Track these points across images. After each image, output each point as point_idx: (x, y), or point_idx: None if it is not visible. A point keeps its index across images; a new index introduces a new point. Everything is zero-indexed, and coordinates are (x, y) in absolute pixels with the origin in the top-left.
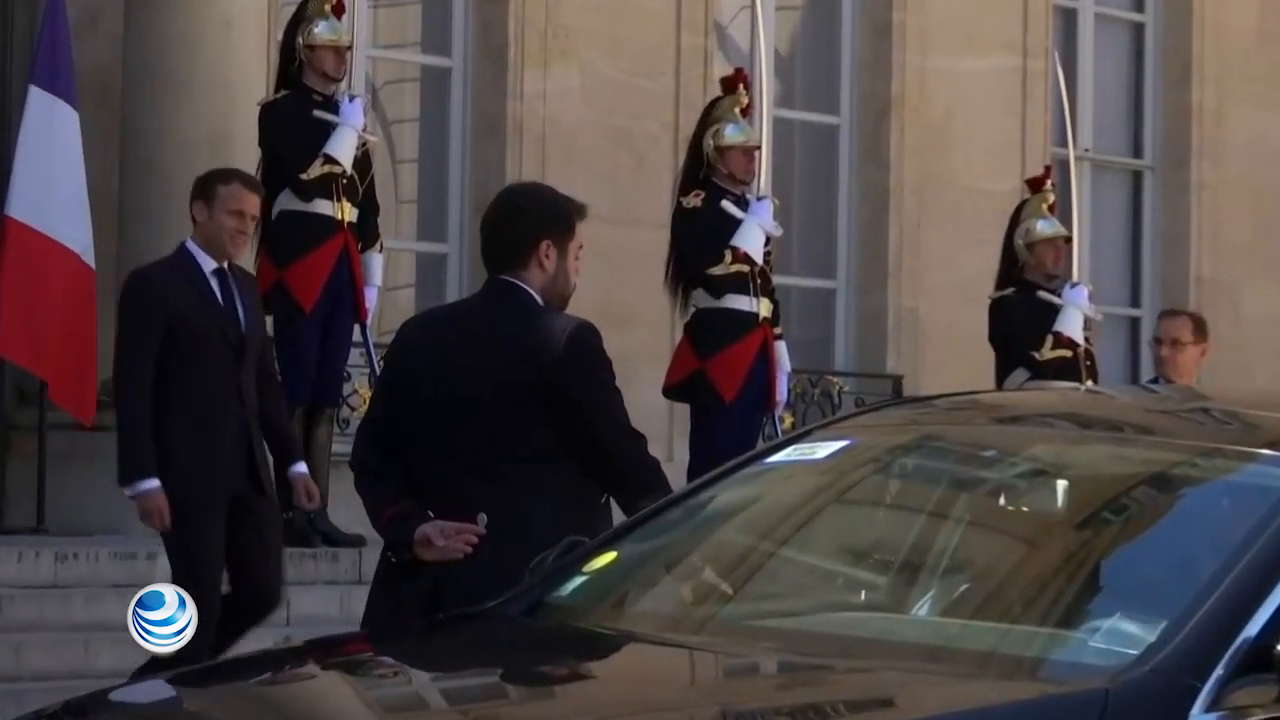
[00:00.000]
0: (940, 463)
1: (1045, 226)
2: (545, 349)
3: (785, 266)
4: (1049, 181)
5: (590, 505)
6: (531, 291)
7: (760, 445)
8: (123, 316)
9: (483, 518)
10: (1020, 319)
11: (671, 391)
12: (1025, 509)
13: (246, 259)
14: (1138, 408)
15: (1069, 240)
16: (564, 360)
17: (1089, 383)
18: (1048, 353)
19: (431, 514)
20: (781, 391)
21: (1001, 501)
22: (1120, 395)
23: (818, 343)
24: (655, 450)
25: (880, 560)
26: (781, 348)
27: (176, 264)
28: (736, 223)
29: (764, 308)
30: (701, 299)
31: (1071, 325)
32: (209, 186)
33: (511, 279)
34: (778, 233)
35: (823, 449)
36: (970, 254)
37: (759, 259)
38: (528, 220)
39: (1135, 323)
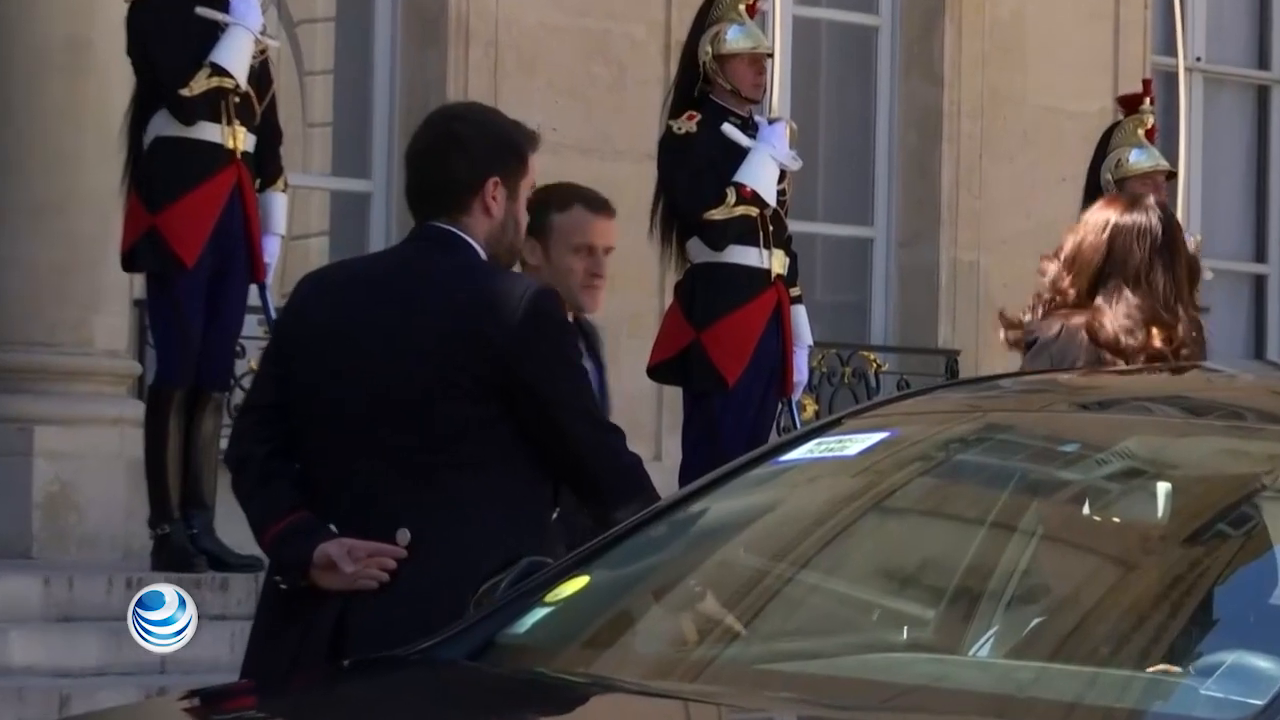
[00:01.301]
0: (1007, 460)
1: (1141, 158)
2: (496, 320)
3: (806, 210)
4: (1148, 100)
5: (544, 522)
6: (474, 244)
7: (774, 439)
8: None
9: (405, 535)
10: None
11: (659, 371)
12: (1117, 519)
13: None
14: (1263, 390)
15: (1172, 175)
16: (520, 335)
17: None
18: None
19: (335, 528)
20: (800, 370)
21: (1086, 510)
22: (1241, 374)
23: (850, 308)
24: (638, 446)
25: (930, 586)
26: (800, 314)
27: None
28: (743, 152)
29: (777, 262)
30: (698, 251)
31: None
32: (541, 216)
33: (448, 227)
34: (796, 166)
35: (855, 443)
36: (1046, 194)
37: (771, 199)
38: (471, 152)
39: (1260, 282)
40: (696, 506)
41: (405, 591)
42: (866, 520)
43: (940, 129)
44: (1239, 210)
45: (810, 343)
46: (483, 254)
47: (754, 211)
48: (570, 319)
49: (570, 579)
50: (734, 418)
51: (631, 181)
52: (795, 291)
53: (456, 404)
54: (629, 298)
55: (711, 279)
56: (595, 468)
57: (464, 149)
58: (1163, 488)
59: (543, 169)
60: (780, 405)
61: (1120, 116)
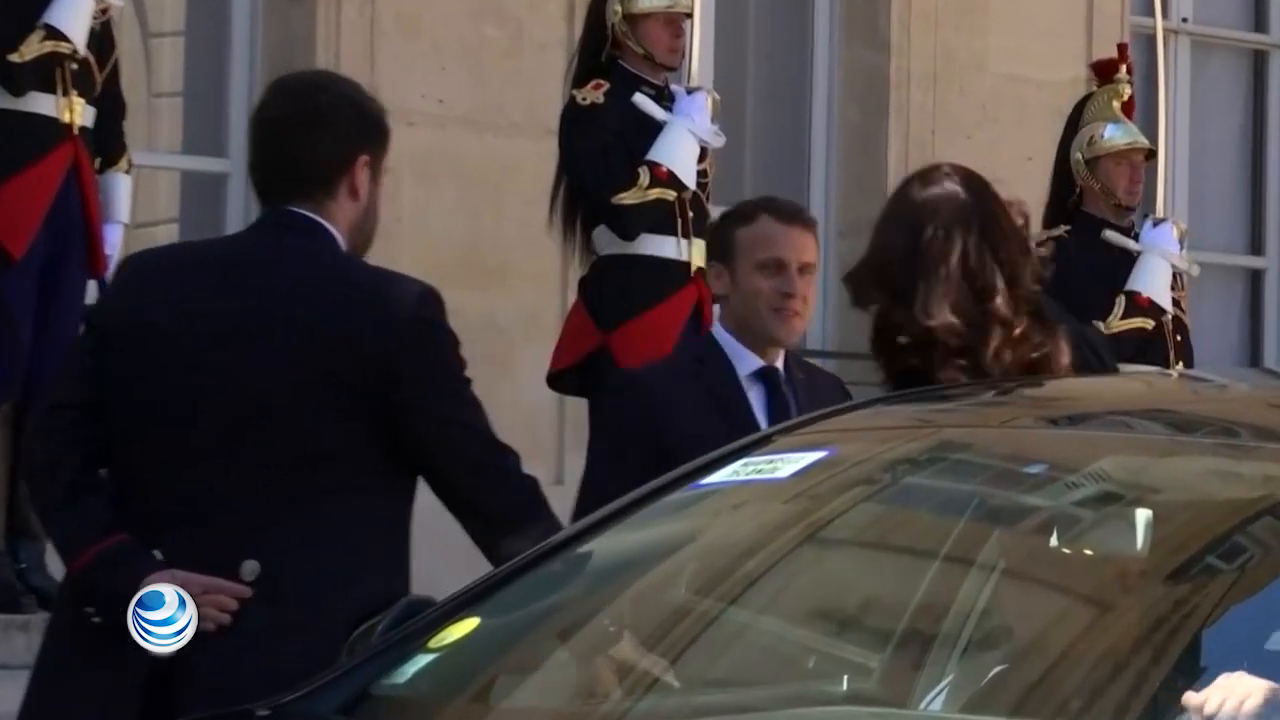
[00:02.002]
0: (964, 483)
1: (1117, 134)
2: (375, 326)
3: (731, 194)
4: (1125, 67)
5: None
6: (336, 233)
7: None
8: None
9: (251, 567)
10: (1078, 272)
11: (561, 379)
12: (1090, 552)
13: None
14: (1259, 402)
15: (1151, 155)
16: (403, 345)
17: (1180, 366)
18: (1118, 322)
19: (160, 556)
20: None
21: (1054, 541)
22: (1232, 384)
23: None
24: (535, 467)
25: (874, 629)
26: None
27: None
28: (657, 127)
29: (698, 254)
30: (605, 241)
31: (1154, 281)
32: (724, 234)
33: (310, 214)
34: (719, 143)
35: (787, 464)
36: (1010, 176)
37: (690, 181)
38: (338, 127)
39: (1255, 278)
40: (604, 537)
41: (254, 634)
42: (801, 553)
43: (886, 101)
44: (1231, 195)
45: None
46: (344, 244)
47: (670, 195)
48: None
49: (457, 621)
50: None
51: (528, 160)
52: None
53: (321, 417)
54: (525, 295)
55: (621, 273)
56: (486, 494)
57: (330, 123)
58: (1143, 515)
59: (427, 145)
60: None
61: (1094, 86)
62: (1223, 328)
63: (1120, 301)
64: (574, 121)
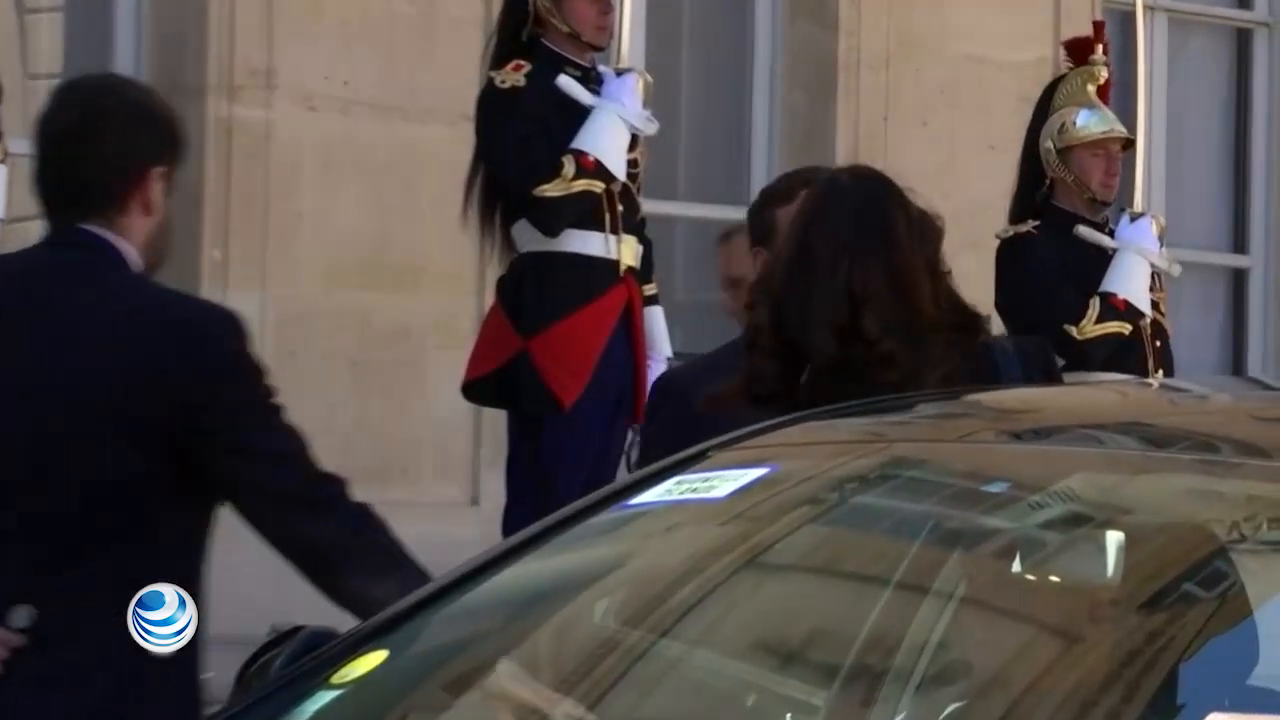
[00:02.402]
0: (918, 504)
1: (1091, 121)
2: (170, 359)
3: (665, 186)
4: (1100, 47)
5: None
6: (128, 252)
7: (622, 477)
8: None
9: (22, 615)
10: (1048, 271)
11: (477, 389)
12: (1056, 579)
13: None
14: (1242, 414)
15: (1129, 145)
16: (202, 376)
17: (1159, 374)
18: (1092, 328)
19: None
20: None
21: (1017, 567)
22: (1212, 394)
23: (719, 310)
24: (448, 484)
25: (820, 663)
26: (656, 318)
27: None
28: (583, 112)
29: (628, 252)
30: (526, 237)
31: (1131, 282)
32: (763, 216)
33: (101, 232)
34: (651, 130)
35: (724, 482)
36: (970, 168)
37: (619, 172)
38: (130, 135)
39: (1239, 278)
40: (523, 563)
41: (28, 681)
42: (739, 579)
43: (835, 84)
44: (1213, 187)
45: (669, 354)
46: (137, 263)
47: (598, 187)
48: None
49: (363, 655)
50: (572, 449)
51: (441, 149)
52: (650, 289)
53: (115, 454)
54: (437, 297)
55: (544, 273)
56: (310, 527)
57: (117, 133)
58: (1114, 539)
59: (329, 132)
60: (631, 434)
61: (1066, 68)
62: (1203, 332)
63: (1095, 304)
64: (492, 106)
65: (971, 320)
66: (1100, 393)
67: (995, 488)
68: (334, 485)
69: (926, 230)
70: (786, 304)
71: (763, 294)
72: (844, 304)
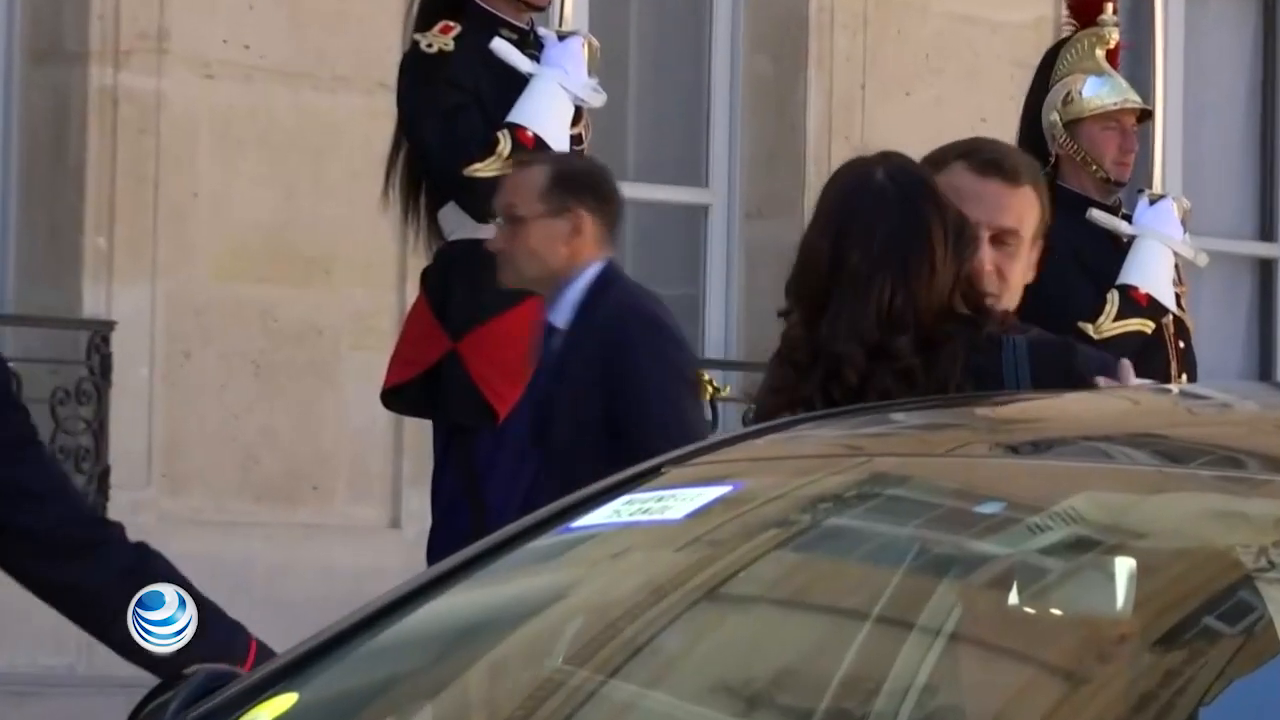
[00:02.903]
0: (902, 526)
1: (1102, 90)
2: None
3: (614, 163)
4: (1110, 6)
5: None
6: None
7: (565, 495)
8: None
9: None
10: (1057, 262)
11: (399, 397)
12: (1059, 612)
13: None
14: (1271, 425)
15: (1146, 116)
16: None
17: (1182, 379)
18: (1111, 325)
19: None
20: None
21: (1014, 599)
22: (1239, 401)
23: (676, 305)
24: (366, 507)
25: (790, 707)
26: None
27: None
28: (521, 81)
29: None
30: (456, 223)
31: (1154, 273)
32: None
33: None
34: (597, 101)
35: (681, 502)
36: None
37: (561, 148)
38: None
39: (1267, 269)
40: (452, 594)
41: None
42: (699, 613)
43: (805, 49)
44: (1236, 167)
45: None
46: None
47: None
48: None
49: (269, 699)
50: (508, 465)
51: (357, 122)
52: None
53: None
54: (353, 290)
55: (475, 264)
56: (74, 576)
57: None
58: (1124, 566)
59: (229, 102)
60: None
61: (1070, 29)
62: (1226, 330)
63: (1113, 298)
64: (416, 73)
65: (981, 315)
66: (1109, 400)
67: (989, 508)
68: (105, 528)
69: (962, 238)
70: (818, 318)
71: (795, 304)
72: (874, 325)
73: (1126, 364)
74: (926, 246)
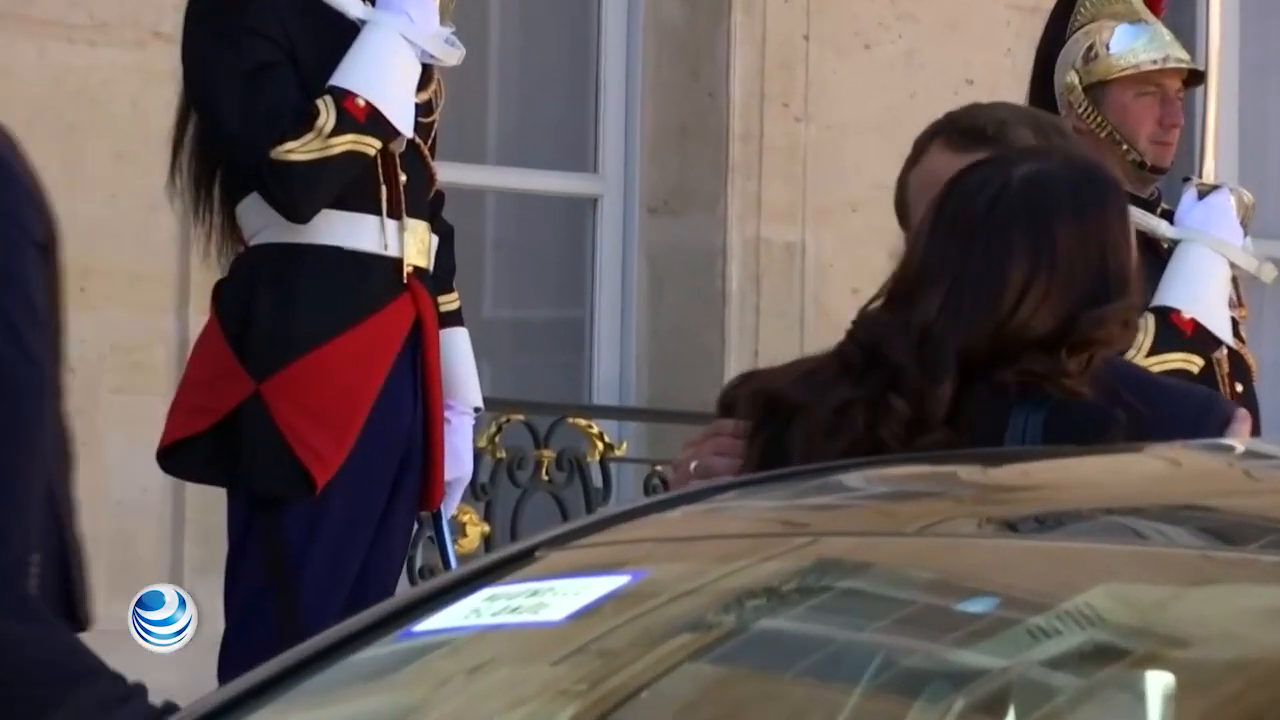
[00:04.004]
0: (858, 630)
1: (1139, 44)
2: None
3: (475, 146)
4: None
5: None
6: None
7: (406, 589)
8: None
9: None
10: None
11: (182, 457)
12: None
13: None
14: None
15: (1195, 79)
16: None
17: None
18: (1145, 360)
19: None
20: (461, 461)
21: None
22: None
23: (557, 334)
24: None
25: None
26: (459, 345)
27: None
28: (350, 30)
29: (414, 245)
30: (260, 223)
31: (1202, 291)
32: (900, 185)
33: None
34: (453, 58)
35: (561, 597)
36: (938, 110)
37: (404, 123)
38: None
39: None
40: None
41: None
42: None
43: None
44: None
45: (478, 403)
46: None
47: (371, 146)
48: None
49: None
50: (327, 548)
51: (125, 86)
52: (450, 302)
53: None
54: (118, 312)
55: (287, 277)
56: None
57: None
58: (1158, 684)
59: None
60: (418, 523)
61: None
62: None
63: (1148, 325)
64: (207, 21)
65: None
66: (1139, 461)
67: (978, 606)
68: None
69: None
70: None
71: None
72: (919, 342)
73: (1244, 415)
74: (997, 276)
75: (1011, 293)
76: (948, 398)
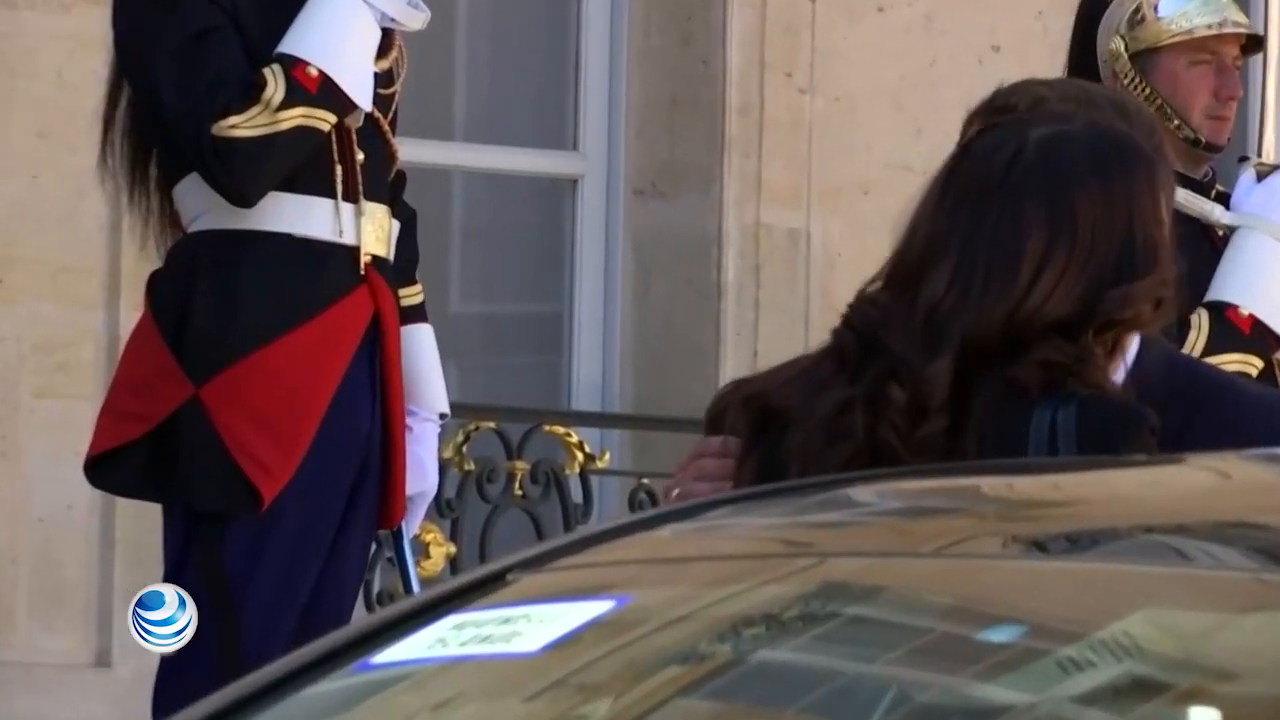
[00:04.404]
0: (868, 662)
1: (1189, 6)
2: None
3: (441, 123)
4: None
5: None
6: None
7: (363, 616)
8: None
9: None
10: None
11: (114, 469)
12: None
13: None
14: None
15: (1254, 45)
16: None
17: None
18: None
19: None
20: (424, 473)
21: None
22: None
23: (533, 331)
24: (64, 636)
25: None
26: (422, 344)
27: None
28: None
29: (373, 232)
30: (201, 206)
31: (1262, 284)
32: None
33: None
34: (416, 22)
35: (537, 625)
36: (964, 79)
37: (362, 96)
38: None
39: None
40: None
41: None
42: None
43: None
44: None
45: (444, 409)
46: None
47: (325, 120)
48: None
49: None
50: (274, 571)
51: (50, 55)
52: (412, 296)
53: None
54: (40, 306)
55: (229, 267)
56: None
57: None
58: None
59: None
60: (377, 543)
61: None
62: None
63: (1201, 321)
64: None
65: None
66: (1183, 473)
67: (1001, 634)
68: None
69: (1097, 264)
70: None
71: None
72: (922, 323)
73: None
74: (1012, 250)
75: (1027, 267)
76: (947, 377)
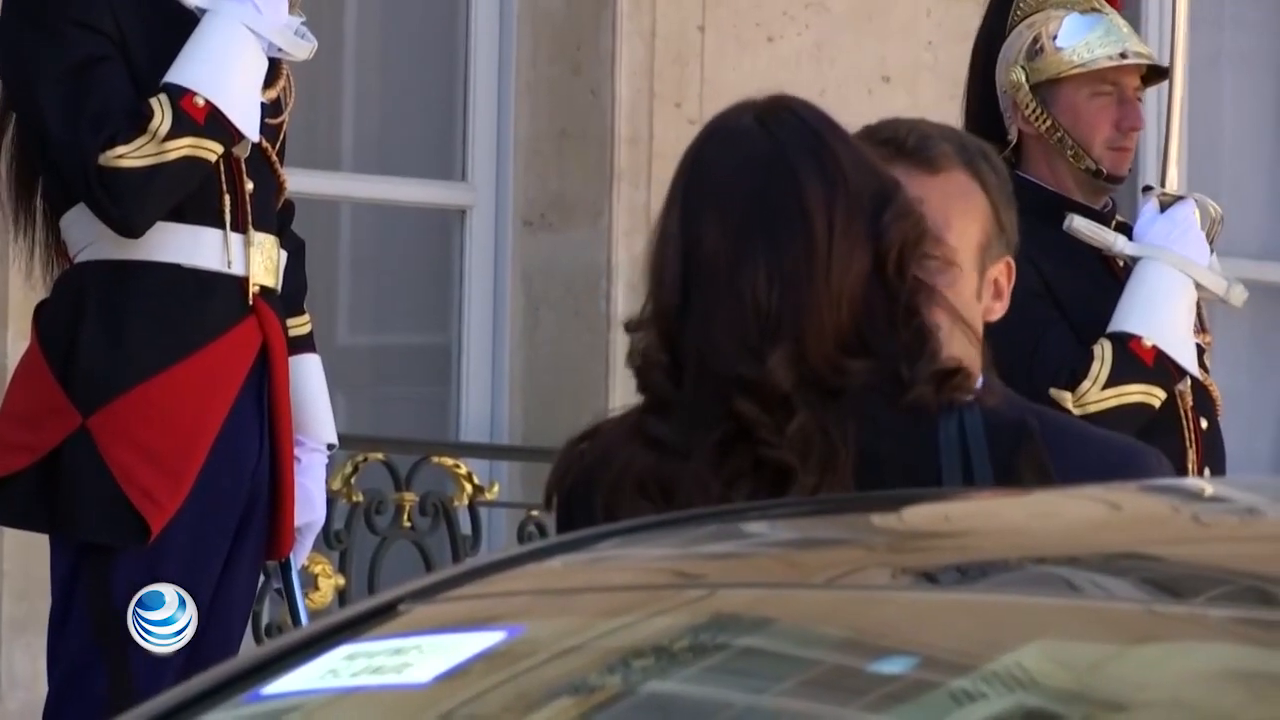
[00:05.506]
0: (758, 694)
1: (1094, 36)
2: None
3: (328, 151)
4: None
5: None
6: None
7: (252, 648)
8: None
9: None
10: (1020, 294)
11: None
12: None
13: None
14: None
15: (1156, 76)
16: None
17: (1204, 471)
18: (1099, 395)
19: None
20: (312, 504)
21: None
22: (1268, 503)
23: (420, 363)
24: None
25: None
26: (311, 374)
27: None
28: (188, 19)
29: (261, 262)
30: (88, 237)
31: (1165, 315)
32: None
33: None
34: (303, 52)
35: (429, 655)
36: (853, 109)
37: (250, 127)
38: None
39: None
40: None
41: None
42: None
43: None
44: (1269, 159)
45: (332, 440)
46: None
47: (212, 150)
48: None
49: None
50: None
51: None
52: (300, 325)
53: None
54: None
55: (117, 298)
56: None
57: None
58: None
59: None
60: (265, 574)
61: None
62: (1265, 398)
63: (1103, 353)
64: (26, 10)
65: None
66: (1074, 503)
67: (893, 666)
68: None
69: (871, 205)
70: (680, 325)
71: (650, 311)
72: (755, 331)
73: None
74: (798, 213)
75: (820, 226)
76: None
